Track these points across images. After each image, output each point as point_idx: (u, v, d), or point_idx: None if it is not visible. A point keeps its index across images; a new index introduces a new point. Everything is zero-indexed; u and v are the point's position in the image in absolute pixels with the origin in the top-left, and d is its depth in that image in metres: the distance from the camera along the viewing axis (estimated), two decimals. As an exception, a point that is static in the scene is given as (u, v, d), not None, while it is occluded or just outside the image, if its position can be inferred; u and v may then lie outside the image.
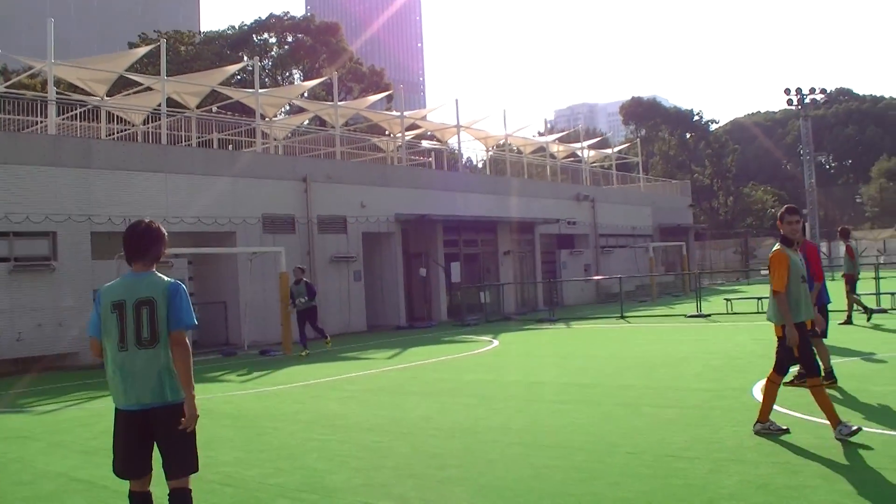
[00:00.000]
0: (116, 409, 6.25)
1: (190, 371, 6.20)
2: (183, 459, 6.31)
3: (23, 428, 13.54)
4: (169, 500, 6.31)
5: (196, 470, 6.40)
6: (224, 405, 14.94)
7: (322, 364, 21.31)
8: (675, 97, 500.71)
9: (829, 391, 10.56)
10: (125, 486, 8.95)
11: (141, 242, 6.29)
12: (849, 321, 22.58)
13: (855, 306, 23.04)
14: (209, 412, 14.11)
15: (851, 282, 22.86)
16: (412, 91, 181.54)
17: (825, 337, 12.10)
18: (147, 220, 6.42)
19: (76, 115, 33.08)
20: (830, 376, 11.92)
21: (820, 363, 10.61)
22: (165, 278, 6.27)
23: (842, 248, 24.06)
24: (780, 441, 9.12)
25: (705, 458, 8.62)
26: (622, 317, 30.28)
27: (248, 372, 20.60)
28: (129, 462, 6.29)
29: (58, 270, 24.23)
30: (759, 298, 29.25)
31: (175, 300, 6.17)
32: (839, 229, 24.97)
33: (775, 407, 9.86)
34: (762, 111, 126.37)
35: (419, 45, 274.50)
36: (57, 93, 30.49)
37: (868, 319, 22.93)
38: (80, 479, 9.49)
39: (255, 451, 10.51)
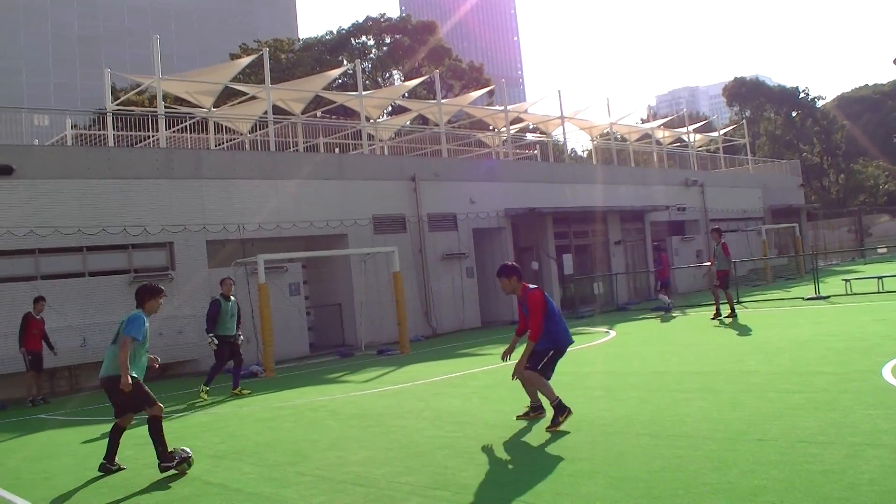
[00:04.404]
0: None
1: (125, 358, 10.25)
2: (130, 405, 10.67)
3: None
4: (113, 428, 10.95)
5: (123, 413, 10.85)
6: (348, 405, 15.12)
7: (441, 362, 21.43)
8: (778, 75, 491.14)
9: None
10: (260, 487, 9.23)
11: (136, 294, 10.90)
12: (717, 315, 25.19)
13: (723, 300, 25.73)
14: (334, 413, 14.34)
15: (724, 278, 25.33)
16: (512, 85, 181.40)
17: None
18: (145, 282, 11.35)
19: (185, 127, 33.76)
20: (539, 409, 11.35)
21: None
22: (133, 311, 10.69)
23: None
24: (917, 423, 8.93)
25: (840, 442, 8.47)
26: (738, 302, 29.79)
27: (367, 371, 20.81)
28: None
29: (176, 280, 24.79)
30: (880, 277, 28.64)
31: (127, 321, 10.50)
32: (712, 229, 27.41)
33: None
34: (870, 84, 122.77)
35: (515, 38, 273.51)
36: (165, 107, 31.11)
37: (726, 316, 24.92)
38: (214, 483, 9.70)
39: (384, 450, 10.60)
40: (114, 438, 10.88)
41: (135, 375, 10.47)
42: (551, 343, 11.09)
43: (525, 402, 11.65)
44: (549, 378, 11.08)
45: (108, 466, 10.78)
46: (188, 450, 10.52)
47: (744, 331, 21.30)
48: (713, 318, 25.00)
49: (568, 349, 11.38)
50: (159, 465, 10.30)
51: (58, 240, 23.09)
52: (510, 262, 11.77)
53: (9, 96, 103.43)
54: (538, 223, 36.20)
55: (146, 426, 10.54)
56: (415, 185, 31.33)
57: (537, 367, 10.99)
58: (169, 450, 10.40)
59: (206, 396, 18.21)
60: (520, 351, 11.39)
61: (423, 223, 31.47)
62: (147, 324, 10.66)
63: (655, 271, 32.98)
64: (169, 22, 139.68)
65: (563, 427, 10.66)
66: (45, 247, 23.00)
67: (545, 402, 11.11)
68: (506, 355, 11.58)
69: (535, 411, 11.49)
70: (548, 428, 10.71)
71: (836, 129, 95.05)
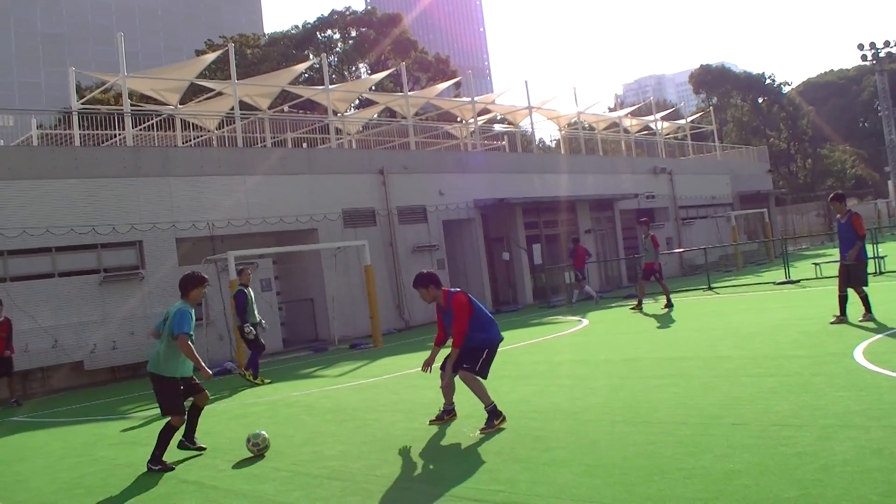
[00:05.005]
0: None
1: (193, 354, 10.33)
2: (161, 405, 10.88)
3: (127, 434, 13.81)
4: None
5: (164, 414, 10.84)
6: (323, 400, 15.11)
7: (414, 354, 21.39)
8: (744, 62, 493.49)
9: None
10: (237, 484, 9.20)
11: (180, 284, 10.93)
12: (669, 305, 25.12)
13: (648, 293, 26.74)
14: (309, 408, 14.32)
15: (653, 270, 25.93)
16: (478, 76, 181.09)
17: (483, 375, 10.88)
18: (188, 272, 11.23)
19: (152, 125, 33.54)
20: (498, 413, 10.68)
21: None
22: (177, 304, 10.66)
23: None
24: (889, 404, 8.98)
25: (812, 425, 8.53)
26: (709, 288, 29.96)
27: (341, 366, 20.78)
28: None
29: (147, 279, 24.65)
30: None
31: (174, 317, 10.47)
32: (642, 221, 28.19)
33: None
34: (835, 69, 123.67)
35: (481, 29, 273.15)
36: (131, 104, 30.91)
37: (635, 308, 25.56)
38: (190, 481, 9.67)
39: (359, 444, 10.60)
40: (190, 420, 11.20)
41: (177, 376, 10.77)
42: (486, 341, 10.80)
43: (474, 402, 11.08)
44: (485, 377, 10.80)
45: (187, 444, 11.25)
46: (264, 434, 10.82)
47: (716, 317, 21.42)
48: (664, 308, 25.03)
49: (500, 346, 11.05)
50: (148, 463, 10.46)
51: (26, 241, 22.90)
52: (425, 271, 11.23)
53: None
54: (508, 214, 36.23)
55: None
56: (384, 179, 31.29)
57: (475, 368, 10.69)
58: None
59: (265, 381, 19.04)
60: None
61: (393, 216, 31.44)
62: (192, 314, 10.81)
63: (571, 263, 33.04)
64: (134, 18, 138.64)
65: (539, 420, 10.66)
66: (13, 248, 22.80)
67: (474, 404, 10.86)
68: (426, 367, 11.10)
69: (448, 414, 11.22)
70: (481, 429, 10.35)
71: (802, 115, 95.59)
